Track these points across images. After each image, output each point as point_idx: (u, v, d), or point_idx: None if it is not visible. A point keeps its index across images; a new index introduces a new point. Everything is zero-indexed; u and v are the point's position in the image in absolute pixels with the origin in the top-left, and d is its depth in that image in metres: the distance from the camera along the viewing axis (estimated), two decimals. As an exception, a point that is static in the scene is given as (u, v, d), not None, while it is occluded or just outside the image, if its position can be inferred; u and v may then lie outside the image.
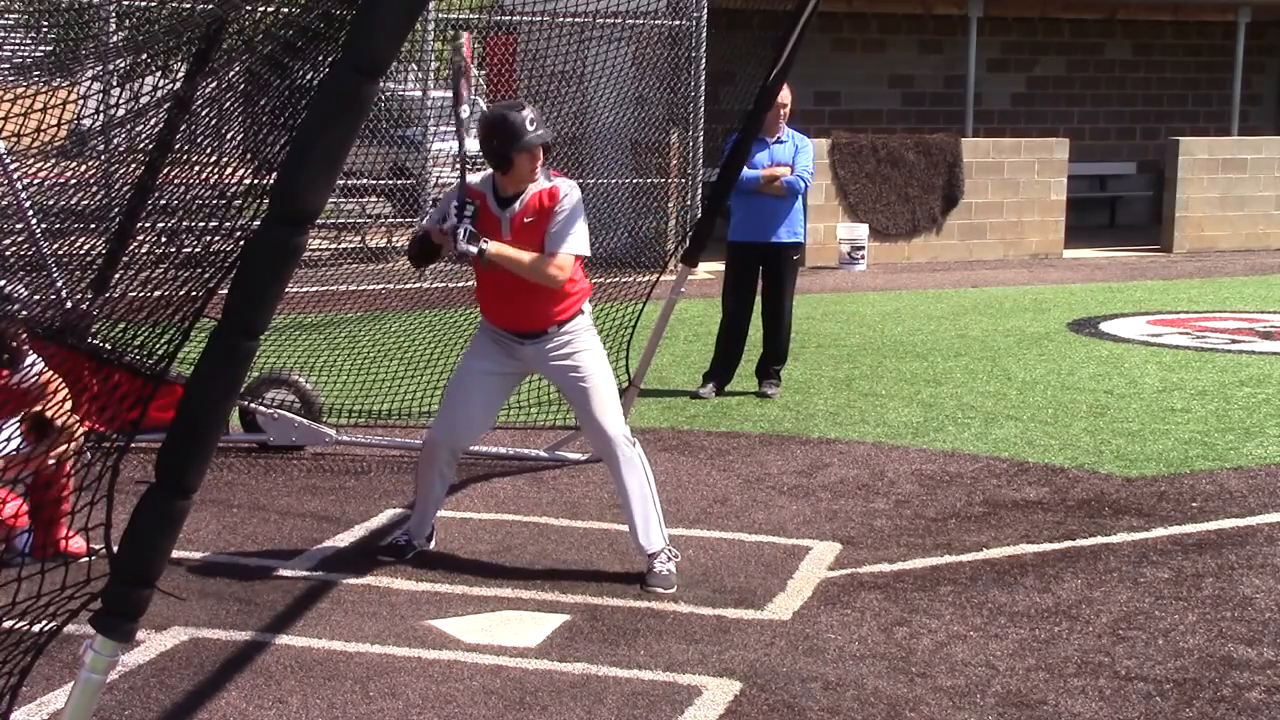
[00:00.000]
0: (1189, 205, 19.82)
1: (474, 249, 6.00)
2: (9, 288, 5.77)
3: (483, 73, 15.97)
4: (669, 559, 6.24)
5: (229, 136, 6.07)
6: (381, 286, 13.95)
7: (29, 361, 5.93)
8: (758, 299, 10.28)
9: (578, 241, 6.16)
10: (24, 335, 5.81)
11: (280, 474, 7.98)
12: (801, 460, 8.42)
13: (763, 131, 9.84)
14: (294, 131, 3.50)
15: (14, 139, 5.54)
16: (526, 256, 6.09)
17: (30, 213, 6.90)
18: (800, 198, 10.13)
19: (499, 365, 6.40)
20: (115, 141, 6.66)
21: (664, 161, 15.88)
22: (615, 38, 10.30)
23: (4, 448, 5.89)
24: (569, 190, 6.20)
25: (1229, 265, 18.54)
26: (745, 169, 9.79)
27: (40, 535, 6.27)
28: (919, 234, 18.60)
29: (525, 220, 6.13)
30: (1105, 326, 13.44)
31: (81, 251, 7.15)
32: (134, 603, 3.38)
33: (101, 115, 5.98)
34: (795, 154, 10.06)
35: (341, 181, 12.54)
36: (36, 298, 5.78)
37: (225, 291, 3.41)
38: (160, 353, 3.70)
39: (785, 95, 9.86)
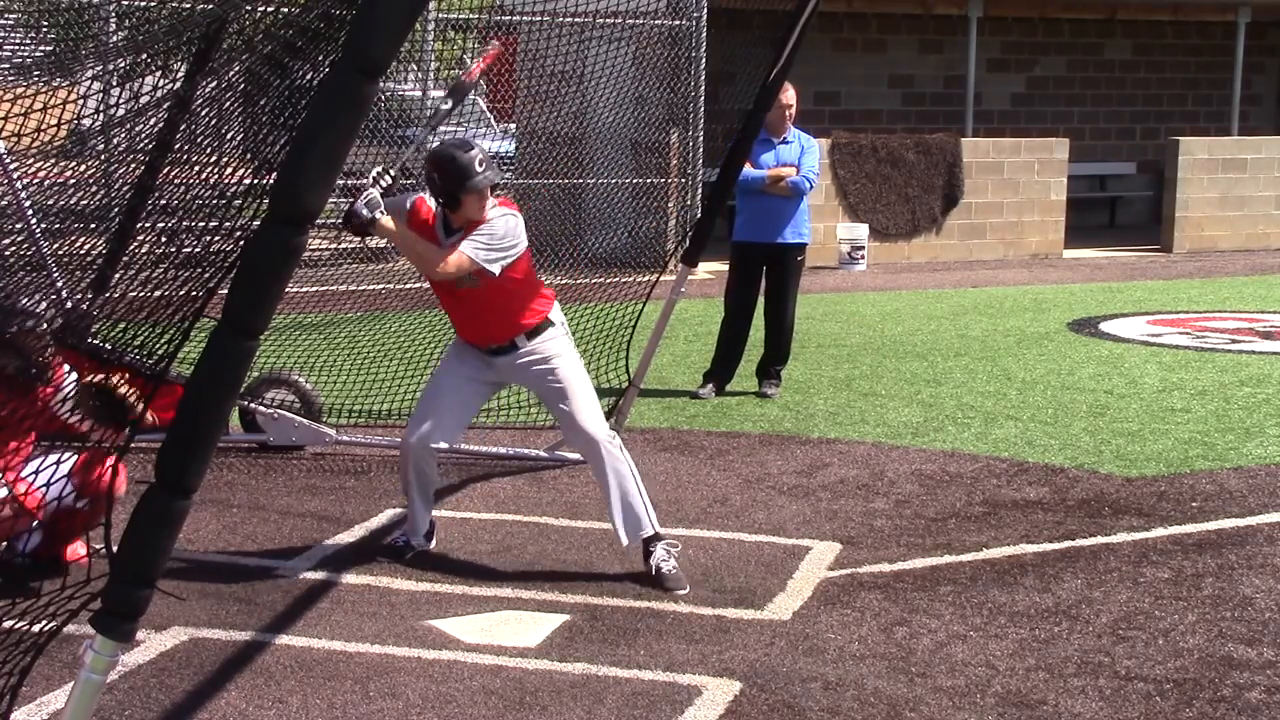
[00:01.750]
0: (1189, 205, 19.82)
1: (366, 214, 5.91)
2: (28, 302, 5.76)
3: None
4: (669, 555, 6.24)
5: (229, 136, 6.07)
6: (381, 286, 13.94)
7: (67, 377, 5.91)
8: (758, 300, 10.28)
9: (480, 250, 6.11)
10: (51, 350, 5.79)
11: (280, 474, 7.98)
12: (801, 460, 8.42)
13: (769, 132, 9.85)
14: (294, 131, 3.50)
15: (14, 139, 5.53)
16: (414, 240, 6.12)
17: (30, 213, 6.90)
18: (805, 198, 10.13)
19: (473, 371, 6.47)
20: (115, 141, 6.66)
21: (664, 161, 15.88)
22: (615, 38, 10.30)
23: (47, 467, 5.89)
24: (496, 217, 6.17)
25: (1229, 265, 18.53)
26: (750, 169, 9.80)
27: (44, 542, 6.25)
28: (919, 234, 18.60)
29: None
30: (1105, 326, 13.44)
31: (81, 251, 7.15)
32: (134, 603, 3.38)
33: (101, 115, 5.97)
34: (801, 154, 10.03)
35: (341, 181, 12.50)
36: (53, 312, 5.76)
37: (225, 291, 3.41)
38: (160, 353, 3.71)
39: (791, 96, 9.86)
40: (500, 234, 6.17)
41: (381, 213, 5.98)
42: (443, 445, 6.54)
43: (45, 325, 5.70)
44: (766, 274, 10.14)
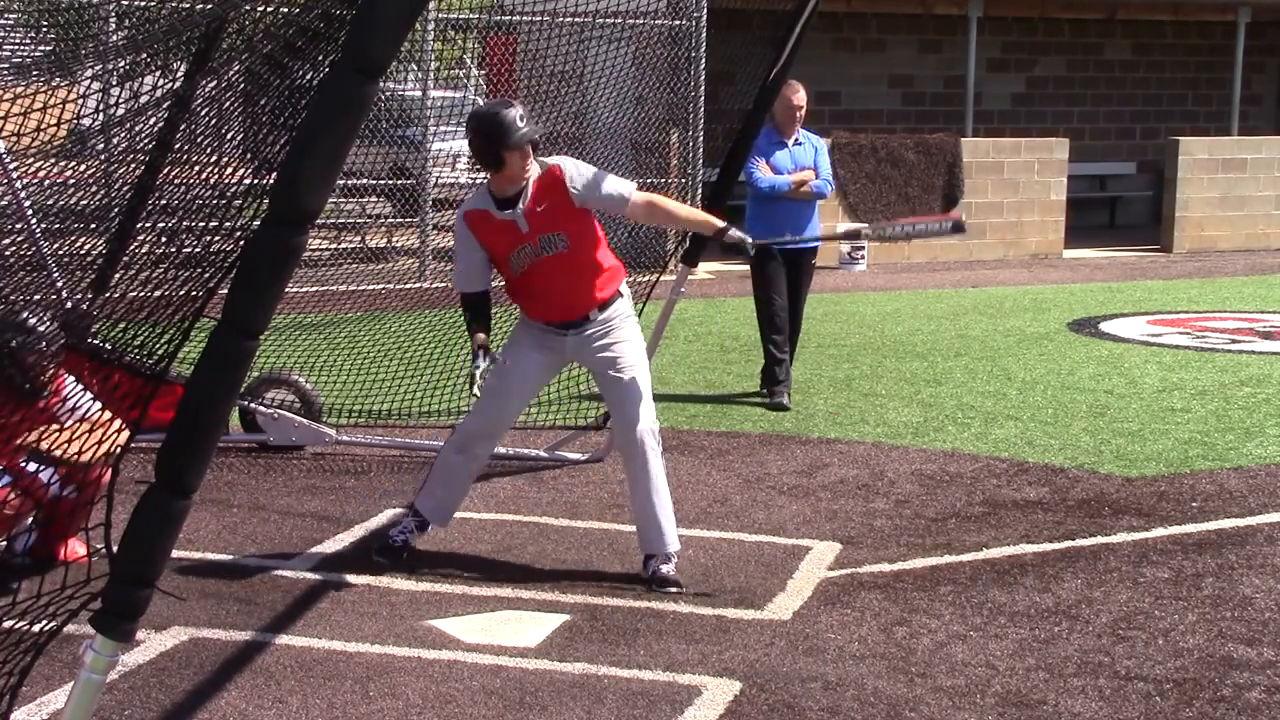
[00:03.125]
0: (1189, 205, 19.83)
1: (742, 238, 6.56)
2: (34, 320, 5.76)
3: (483, 73, 15.97)
4: (669, 560, 6.25)
5: (229, 136, 6.07)
6: (381, 286, 13.95)
7: (72, 390, 5.91)
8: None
9: (620, 181, 6.31)
10: (52, 367, 5.79)
11: (280, 474, 7.98)
12: (801, 460, 8.42)
13: (780, 133, 9.85)
14: (294, 131, 3.50)
15: (14, 139, 5.53)
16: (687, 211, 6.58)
17: (30, 213, 6.89)
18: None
19: (541, 356, 6.37)
20: (115, 141, 6.65)
21: (664, 161, 15.87)
22: (615, 38, 10.29)
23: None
24: (567, 162, 6.22)
25: (1229, 265, 18.54)
26: (769, 173, 9.75)
27: (40, 539, 6.26)
28: (919, 234, 18.59)
29: (539, 208, 6.13)
30: (1105, 326, 13.45)
31: (81, 251, 7.15)
32: (134, 603, 3.38)
33: (101, 115, 5.97)
34: (816, 155, 9.98)
35: (341, 181, 12.52)
36: (57, 331, 5.75)
37: (225, 291, 3.41)
38: (160, 353, 3.70)
39: (801, 96, 9.83)
40: (591, 168, 6.27)
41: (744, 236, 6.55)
42: (503, 435, 6.61)
43: (49, 345, 5.70)
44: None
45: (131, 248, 6.51)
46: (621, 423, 6.34)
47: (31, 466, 5.93)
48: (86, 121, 6.19)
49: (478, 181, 6.34)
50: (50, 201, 7.02)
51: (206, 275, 3.78)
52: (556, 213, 6.13)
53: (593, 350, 6.31)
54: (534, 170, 6.17)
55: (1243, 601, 6.10)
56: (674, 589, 6.13)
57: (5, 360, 5.55)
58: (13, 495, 5.89)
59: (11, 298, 5.86)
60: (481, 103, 6.37)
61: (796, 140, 9.98)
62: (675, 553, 6.25)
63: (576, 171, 6.19)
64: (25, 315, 5.78)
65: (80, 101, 5.65)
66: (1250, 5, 21.18)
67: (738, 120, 8.52)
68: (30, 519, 6.17)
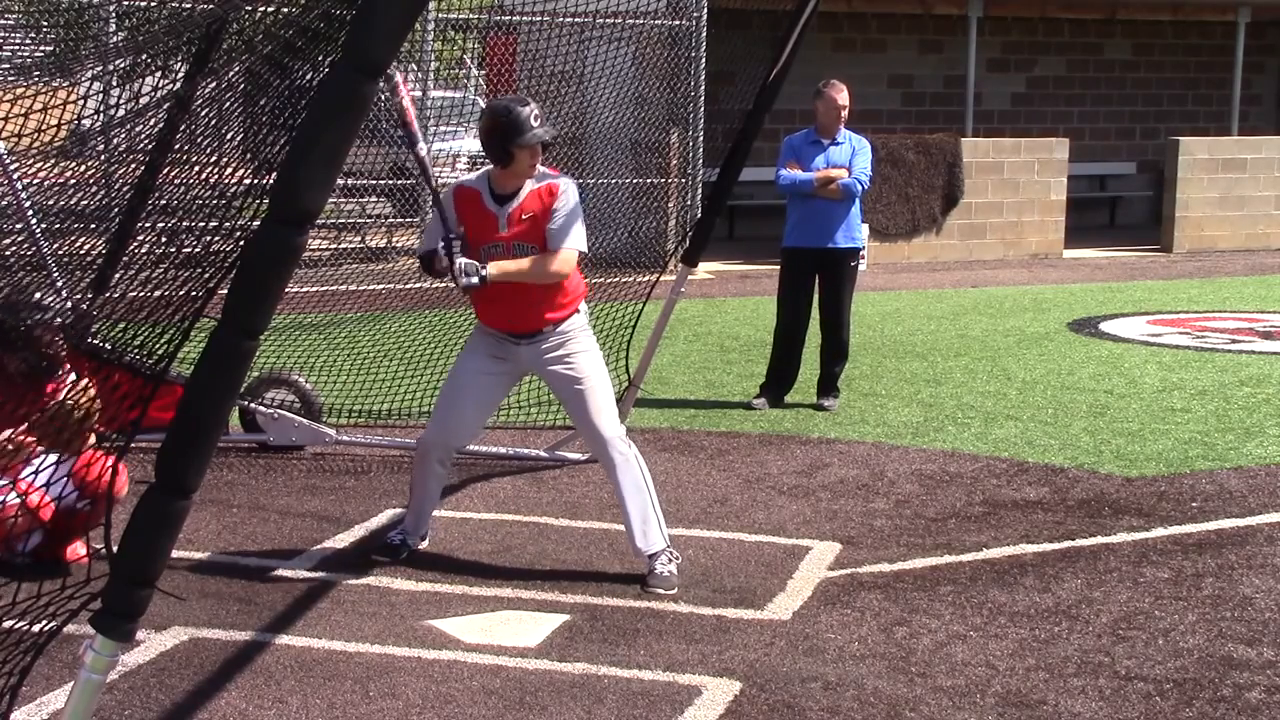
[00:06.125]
0: (1189, 205, 19.82)
1: (475, 280, 6.05)
2: (40, 296, 5.77)
3: (483, 73, 15.98)
4: (670, 560, 6.23)
5: (229, 136, 6.07)
6: (381, 286, 13.95)
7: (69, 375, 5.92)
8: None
9: (578, 237, 6.21)
10: (61, 343, 5.80)
11: (280, 474, 7.98)
12: (801, 460, 8.42)
13: (820, 133, 9.76)
14: (294, 131, 3.50)
15: (14, 139, 5.53)
16: (527, 263, 6.13)
17: (30, 213, 6.90)
18: (857, 201, 9.85)
19: (494, 366, 6.41)
20: (115, 141, 6.65)
21: (664, 161, 15.88)
22: (615, 38, 10.29)
23: (46, 467, 5.91)
24: (567, 187, 6.23)
25: (1229, 265, 18.53)
26: (799, 172, 9.66)
27: (44, 542, 6.25)
28: (919, 234, 18.59)
29: (523, 216, 6.16)
30: (1105, 326, 13.45)
31: (81, 251, 7.15)
32: (134, 603, 3.38)
33: (101, 115, 5.97)
34: (852, 155, 9.74)
35: (341, 181, 12.52)
36: (63, 304, 5.76)
37: (225, 291, 3.41)
38: (160, 353, 3.70)
39: (845, 97, 9.72)
40: (576, 208, 6.22)
41: (484, 267, 6.05)
42: (465, 446, 6.53)
43: (58, 319, 5.71)
44: (820, 279, 9.84)
45: (131, 248, 6.51)
46: (589, 437, 6.39)
47: (27, 472, 5.92)
48: (86, 122, 6.19)
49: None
50: (50, 201, 7.02)
51: (206, 275, 3.79)
52: (537, 225, 6.15)
53: (547, 363, 6.33)
54: (536, 176, 6.20)
55: (1243, 601, 6.10)
56: (661, 590, 6.12)
57: (19, 341, 5.56)
58: (18, 513, 5.89)
59: (14, 281, 5.88)
60: (482, 103, 6.36)
61: (835, 140, 9.76)
62: (666, 552, 6.23)
63: (567, 197, 6.21)
64: (32, 295, 5.79)
65: (80, 102, 5.65)
66: (1250, 5, 21.17)
67: (738, 120, 8.52)
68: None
